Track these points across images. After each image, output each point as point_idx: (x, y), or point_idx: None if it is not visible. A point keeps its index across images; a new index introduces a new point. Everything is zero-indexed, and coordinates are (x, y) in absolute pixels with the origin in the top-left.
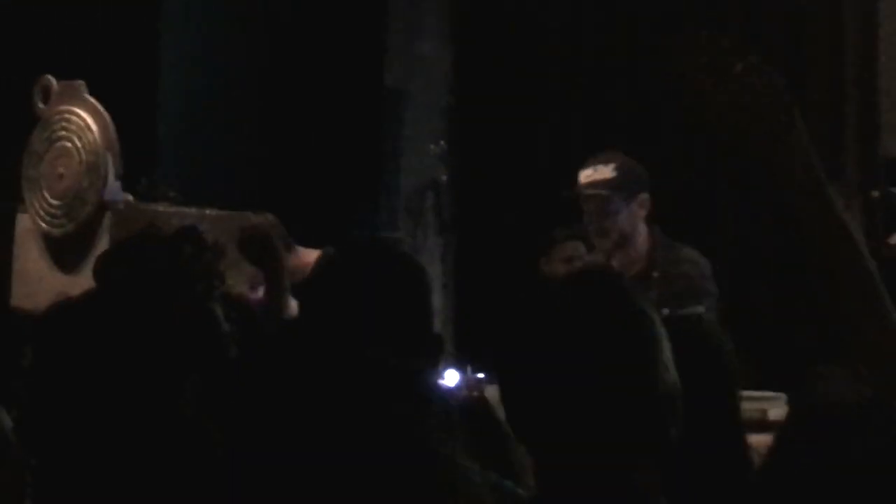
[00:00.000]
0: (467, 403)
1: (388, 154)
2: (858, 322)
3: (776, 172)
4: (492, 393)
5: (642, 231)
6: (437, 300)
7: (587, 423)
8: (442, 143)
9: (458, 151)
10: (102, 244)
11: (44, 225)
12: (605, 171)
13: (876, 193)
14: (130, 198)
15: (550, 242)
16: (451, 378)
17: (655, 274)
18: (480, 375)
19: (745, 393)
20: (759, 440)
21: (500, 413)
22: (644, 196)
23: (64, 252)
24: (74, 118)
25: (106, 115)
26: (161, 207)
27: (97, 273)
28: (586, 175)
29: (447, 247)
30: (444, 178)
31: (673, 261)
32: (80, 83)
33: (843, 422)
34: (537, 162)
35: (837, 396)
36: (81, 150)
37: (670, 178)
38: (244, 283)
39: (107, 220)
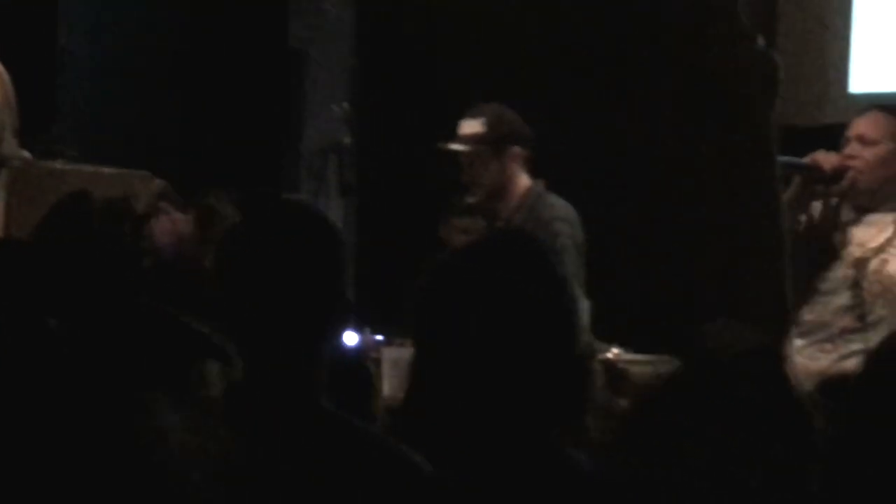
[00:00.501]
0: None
1: (290, 115)
2: (760, 278)
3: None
4: (389, 355)
5: (520, 182)
6: None
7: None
8: (345, 104)
9: (362, 113)
10: None
11: None
12: (474, 125)
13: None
14: (28, 155)
15: (450, 208)
16: (350, 339)
17: (518, 217)
18: (379, 337)
19: (635, 356)
20: None
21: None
22: (516, 149)
23: None
24: None
25: (3, 71)
26: (58, 165)
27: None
28: (460, 128)
29: (349, 209)
30: (347, 140)
31: (535, 206)
32: None
33: (730, 370)
34: (440, 124)
35: (725, 347)
36: None
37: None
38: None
39: (3, 176)
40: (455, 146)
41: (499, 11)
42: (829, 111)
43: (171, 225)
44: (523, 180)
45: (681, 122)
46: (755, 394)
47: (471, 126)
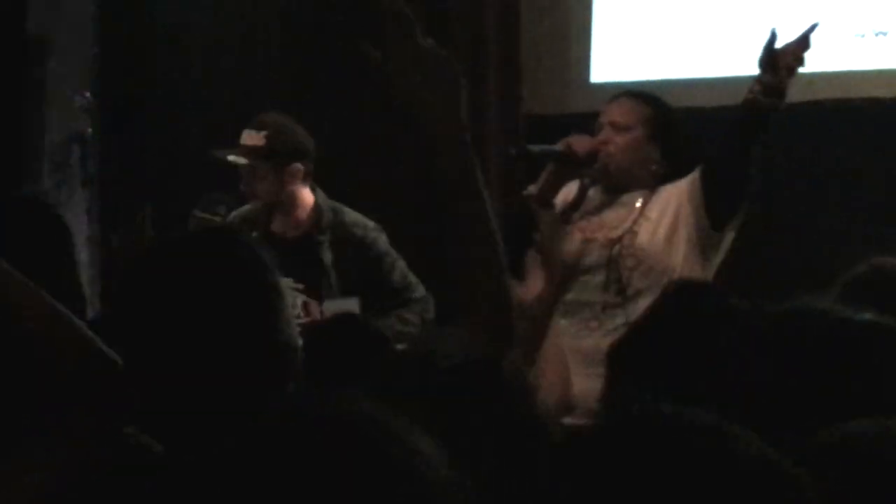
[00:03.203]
0: None
1: (30, 106)
2: (478, 284)
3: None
4: None
5: (304, 196)
6: (84, 255)
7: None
8: (87, 94)
9: (104, 103)
10: None
11: None
12: (254, 138)
13: (513, 151)
14: None
15: (200, 202)
16: None
17: (323, 238)
18: None
19: None
20: None
21: None
22: (296, 166)
23: None
24: None
25: None
26: None
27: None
28: (243, 137)
29: (92, 201)
30: (90, 130)
31: (340, 224)
32: None
33: (454, 379)
34: (185, 116)
35: (447, 357)
36: None
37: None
38: None
39: None
40: (233, 158)
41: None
42: (572, 101)
43: None
44: (306, 195)
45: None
46: (479, 403)
47: (252, 138)
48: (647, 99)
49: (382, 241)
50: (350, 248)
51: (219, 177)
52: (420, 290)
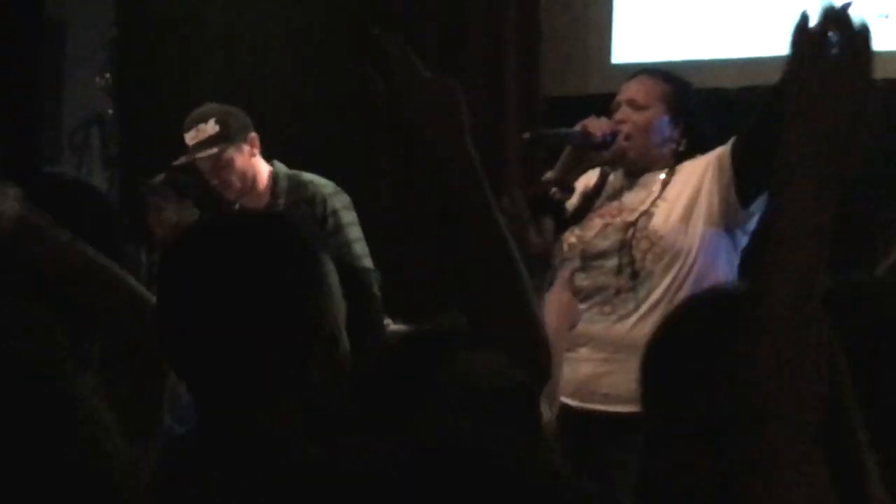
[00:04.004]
0: None
1: (50, 87)
2: (500, 309)
3: (438, 159)
4: None
5: (262, 168)
6: None
7: (237, 357)
8: (107, 75)
9: (124, 85)
10: None
11: None
12: (207, 129)
13: (527, 135)
14: None
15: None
16: None
17: (281, 201)
18: None
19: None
20: None
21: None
22: (252, 135)
23: None
24: None
25: None
26: None
27: None
28: (192, 138)
29: (113, 181)
30: (110, 111)
31: (294, 186)
32: None
33: (485, 403)
34: (203, 96)
35: (478, 381)
36: None
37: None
38: None
39: None
40: (199, 154)
41: None
42: (592, 82)
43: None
44: (264, 166)
45: None
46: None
47: (203, 131)
48: (665, 76)
49: (334, 198)
50: (302, 203)
51: None
52: (368, 263)
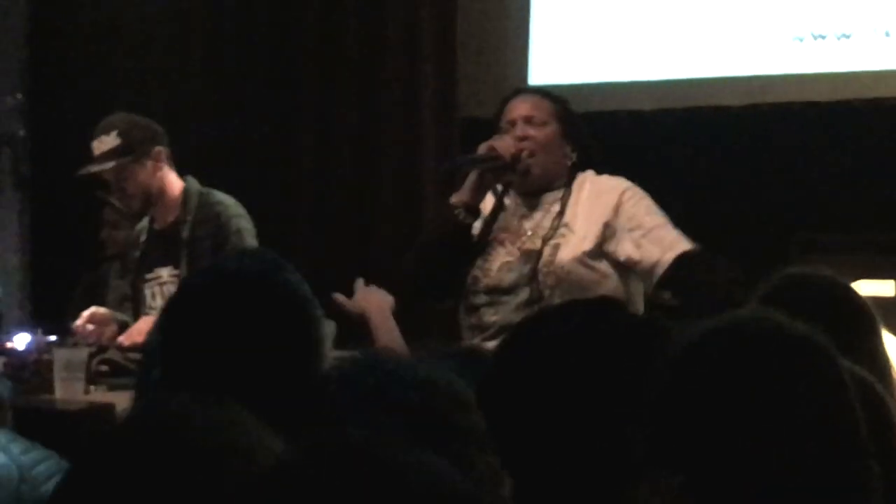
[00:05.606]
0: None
1: None
2: None
3: None
4: (61, 356)
5: (173, 181)
6: (15, 259)
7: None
8: (19, 95)
9: (36, 104)
10: None
11: None
12: (108, 141)
13: (441, 169)
14: None
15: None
16: (20, 341)
17: (189, 218)
18: (52, 337)
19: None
20: None
21: None
22: (157, 149)
23: None
24: None
25: None
26: None
27: None
28: (95, 148)
29: (24, 203)
30: (22, 132)
31: (204, 203)
32: None
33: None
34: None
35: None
36: None
37: None
38: None
39: None
40: (96, 167)
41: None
42: None
43: None
44: (175, 180)
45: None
46: None
47: (105, 143)
48: (549, 94)
49: (239, 219)
50: (208, 224)
51: None
52: None
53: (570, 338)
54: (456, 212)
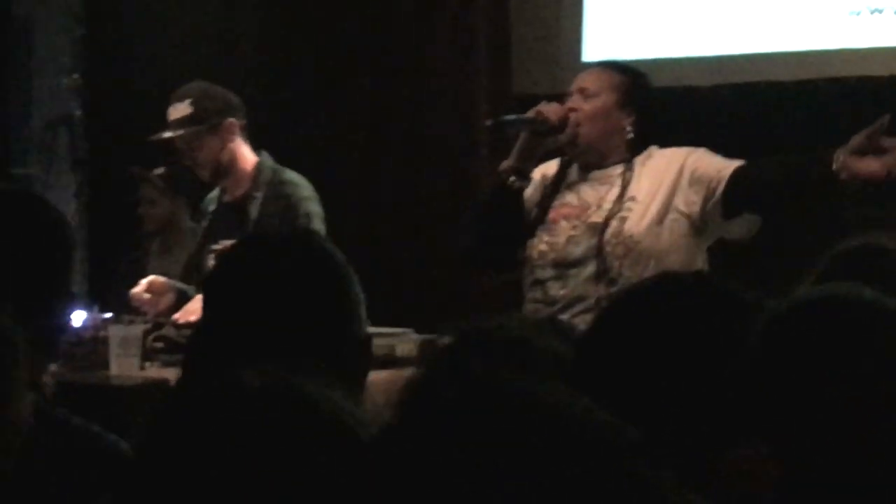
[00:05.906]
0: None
1: (17, 88)
2: None
3: None
4: (117, 332)
5: (245, 154)
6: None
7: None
8: (75, 75)
9: (92, 84)
10: None
11: None
12: (181, 109)
13: (489, 123)
14: None
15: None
16: (77, 318)
17: (257, 194)
18: (107, 315)
19: (374, 329)
20: (386, 376)
21: None
22: (230, 121)
23: None
24: None
25: None
26: None
27: None
28: (169, 115)
29: (81, 184)
30: (78, 112)
31: (276, 182)
32: None
33: None
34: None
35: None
36: None
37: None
38: None
39: None
40: (168, 134)
41: None
42: (563, 80)
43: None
44: (248, 154)
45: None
46: None
47: (179, 110)
48: (619, 67)
49: (309, 202)
50: (277, 203)
51: None
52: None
53: (666, 312)
54: (503, 176)
